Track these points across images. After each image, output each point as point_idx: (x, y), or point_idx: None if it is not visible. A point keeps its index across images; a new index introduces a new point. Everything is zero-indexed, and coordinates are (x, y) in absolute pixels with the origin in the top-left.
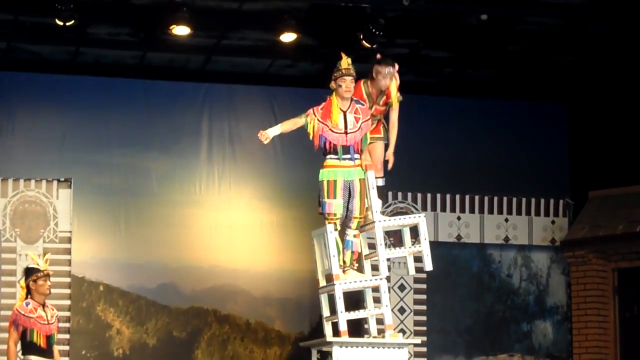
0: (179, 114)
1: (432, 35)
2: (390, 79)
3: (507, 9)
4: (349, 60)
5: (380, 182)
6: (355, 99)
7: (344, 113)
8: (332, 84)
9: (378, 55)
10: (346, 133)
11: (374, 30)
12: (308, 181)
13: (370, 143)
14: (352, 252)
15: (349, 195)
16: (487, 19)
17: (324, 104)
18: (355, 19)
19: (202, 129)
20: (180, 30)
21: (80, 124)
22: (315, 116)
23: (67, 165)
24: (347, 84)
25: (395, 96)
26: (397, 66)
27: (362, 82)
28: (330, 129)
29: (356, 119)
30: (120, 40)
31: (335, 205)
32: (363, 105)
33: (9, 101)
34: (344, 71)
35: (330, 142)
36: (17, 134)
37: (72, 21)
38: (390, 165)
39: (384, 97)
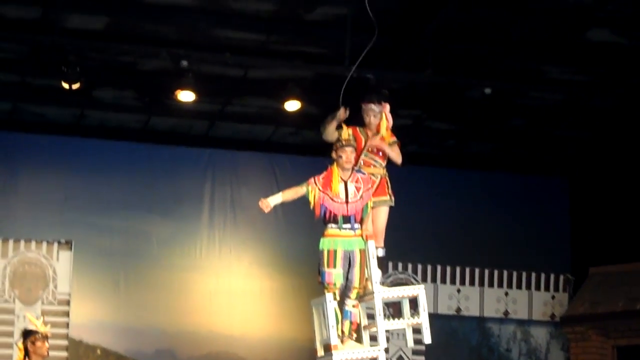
0: (182, 178)
1: (436, 107)
2: (379, 117)
3: (510, 83)
4: (350, 131)
5: (381, 253)
6: (356, 168)
7: (345, 183)
8: (333, 154)
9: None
10: (347, 203)
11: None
12: (308, 249)
13: (374, 207)
14: (351, 323)
15: (349, 265)
16: (491, 93)
17: (325, 172)
18: (360, 89)
19: (204, 194)
20: (185, 96)
21: (82, 186)
22: (317, 185)
23: (68, 227)
24: (347, 155)
25: (385, 134)
26: (387, 106)
27: (357, 127)
28: (331, 199)
29: (357, 189)
30: (125, 104)
31: (334, 275)
32: (364, 174)
33: (12, 161)
34: (344, 142)
35: (331, 212)
36: (19, 195)
37: (78, 84)
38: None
39: (380, 137)
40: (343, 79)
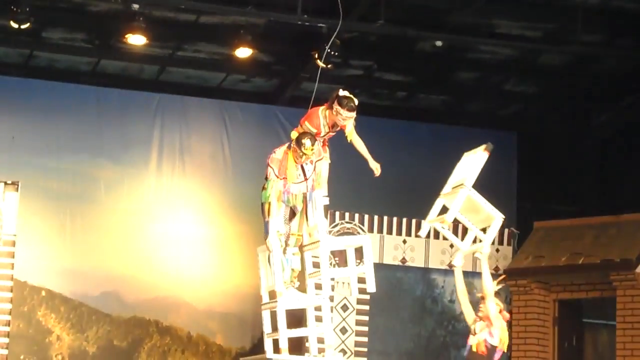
0: (131, 122)
1: (387, 59)
2: (347, 121)
3: (461, 37)
4: (313, 148)
5: (325, 201)
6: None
7: (301, 165)
8: (293, 142)
9: (342, 93)
10: (306, 179)
11: (329, 50)
12: (255, 197)
13: (317, 160)
14: (292, 270)
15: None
16: (442, 46)
17: (278, 159)
18: (311, 38)
19: (153, 139)
20: (136, 40)
21: (30, 127)
22: (278, 177)
23: (15, 167)
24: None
25: (350, 132)
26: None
27: (320, 110)
28: (290, 184)
29: (311, 162)
30: (74, 46)
31: (278, 222)
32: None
33: None
34: (306, 152)
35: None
36: None
37: (28, 24)
38: (377, 173)
39: (338, 128)
40: (295, 27)
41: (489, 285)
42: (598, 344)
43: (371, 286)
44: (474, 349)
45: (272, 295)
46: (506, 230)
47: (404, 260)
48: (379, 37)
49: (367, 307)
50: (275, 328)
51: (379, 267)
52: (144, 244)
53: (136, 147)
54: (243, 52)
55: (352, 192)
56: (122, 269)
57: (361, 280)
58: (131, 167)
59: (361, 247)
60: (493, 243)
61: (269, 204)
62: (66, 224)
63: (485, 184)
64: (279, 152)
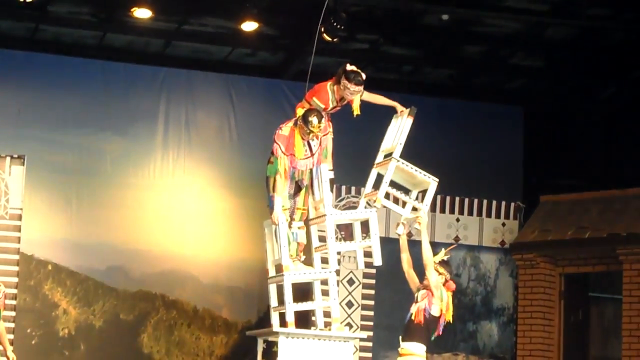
0: (137, 96)
1: (393, 32)
2: (355, 95)
3: (468, 11)
4: (320, 124)
5: (331, 175)
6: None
7: (307, 141)
8: (300, 119)
9: (349, 67)
10: (312, 155)
11: (335, 23)
12: (261, 171)
13: (323, 135)
14: (298, 244)
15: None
16: (448, 20)
17: (285, 135)
18: (317, 12)
19: (159, 113)
20: (142, 13)
21: (36, 101)
22: (285, 154)
23: (21, 141)
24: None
25: (357, 106)
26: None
27: (328, 85)
28: (297, 160)
29: (317, 137)
30: (80, 20)
31: (283, 197)
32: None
33: None
34: (314, 130)
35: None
36: None
37: None
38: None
39: (344, 102)
40: (301, 1)
41: (428, 254)
42: (604, 317)
43: (377, 260)
44: (413, 317)
45: (279, 269)
46: (512, 204)
47: (409, 234)
48: (385, 11)
49: (373, 281)
50: (281, 302)
51: (385, 241)
52: (150, 218)
53: (142, 121)
54: (249, 26)
55: (358, 166)
56: (128, 242)
57: (367, 254)
58: (137, 141)
59: (367, 221)
60: (499, 217)
61: (275, 179)
62: (72, 198)
63: (491, 158)
64: (286, 129)
